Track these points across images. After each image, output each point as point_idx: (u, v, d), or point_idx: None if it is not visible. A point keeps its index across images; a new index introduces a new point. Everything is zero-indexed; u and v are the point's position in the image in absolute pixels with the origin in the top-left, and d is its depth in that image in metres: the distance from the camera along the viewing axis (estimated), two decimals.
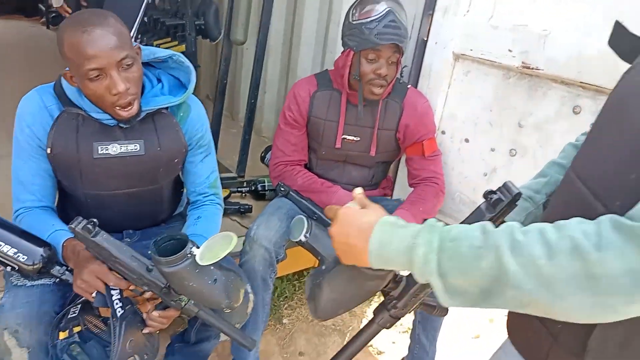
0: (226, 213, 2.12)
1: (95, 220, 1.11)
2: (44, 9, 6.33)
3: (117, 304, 1.15)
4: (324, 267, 0.95)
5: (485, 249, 0.64)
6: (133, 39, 2.11)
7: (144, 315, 1.20)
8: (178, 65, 1.36)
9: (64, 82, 1.26)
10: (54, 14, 6.07)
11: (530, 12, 1.57)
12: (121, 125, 1.29)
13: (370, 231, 0.75)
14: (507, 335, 0.94)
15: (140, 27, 3.04)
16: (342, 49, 1.69)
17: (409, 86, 1.80)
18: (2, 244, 1.16)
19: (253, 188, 2.27)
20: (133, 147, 1.31)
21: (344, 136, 1.77)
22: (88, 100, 1.25)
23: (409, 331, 2.09)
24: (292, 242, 1.65)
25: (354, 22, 1.59)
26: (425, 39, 1.86)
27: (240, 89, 3.28)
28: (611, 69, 1.43)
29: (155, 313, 1.19)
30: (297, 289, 2.29)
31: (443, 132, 1.87)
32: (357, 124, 1.75)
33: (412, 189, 1.82)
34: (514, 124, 1.65)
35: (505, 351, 0.92)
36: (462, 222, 0.85)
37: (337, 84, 1.74)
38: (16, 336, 1.17)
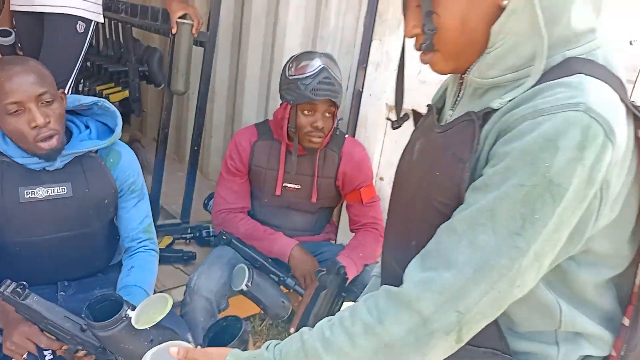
0: (169, 261, 2.11)
1: (24, 283, 1.11)
2: None
3: None
4: None
5: (306, 356, 0.74)
6: (72, 85, 2.13)
7: None
8: (104, 111, 1.40)
9: None
10: None
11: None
12: (48, 168, 1.30)
13: None
14: None
15: (83, 72, 3.04)
16: None
17: (346, 135, 1.88)
18: None
19: (198, 234, 2.27)
20: (60, 190, 1.33)
21: (284, 184, 1.82)
22: (13, 145, 1.26)
23: None
24: (234, 291, 1.67)
25: (290, 77, 1.67)
26: (361, 90, 1.96)
27: (187, 132, 3.28)
28: None
29: None
30: None
31: (381, 179, 1.96)
32: (298, 173, 1.81)
33: (353, 234, 1.88)
34: None
35: None
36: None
37: (277, 134, 1.79)
38: None
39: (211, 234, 2.24)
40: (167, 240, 2.19)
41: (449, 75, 0.87)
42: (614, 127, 0.62)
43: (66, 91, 2.11)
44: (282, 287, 1.72)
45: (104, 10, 2.19)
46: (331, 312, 1.10)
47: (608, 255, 0.73)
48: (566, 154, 0.61)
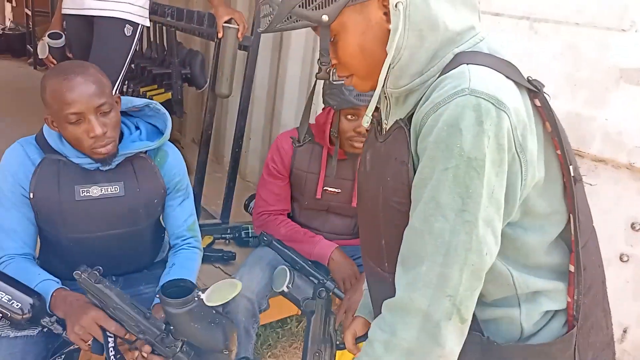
0: (210, 260, 2.15)
1: (100, 268, 1.17)
2: (31, 49, 6.40)
3: (111, 351, 1.19)
4: None
5: None
6: (118, 87, 2.20)
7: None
8: (154, 112, 1.45)
9: (46, 131, 1.33)
10: None
11: None
12: (101, 168, 1.35)
13: None
14: None
15: (127, 73, 3.14)
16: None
17: None
18: None
19: (237, 235, 2.30)
20: (113, 189, 1.38)
21: (325, 188, 1.83)
22: (69, 146, 1.32)
23: None
24: (274, 292, 1.70)
25: (334, 82, 1.68)
26: None
27: (226, 134, 3.35)
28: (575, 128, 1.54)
29: (154, 357, 1.21)
30: (280, 336, 2.30)
31: None
32: (337, 177, 1.82)
33: None
34: None
35: None
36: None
37: (318, 138, 1.81)
38: None
39: (250, 235, 2.27)
40: (208, 240, 2.23)
41: None
42: (501, 99, 0.71)
43: (114, 93, 2.18)
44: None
45: (149, 14, 2.26)
46: (326, 332, 1.23)
47: (548, 213, 0.81)
48: (470, 132, 0.70)
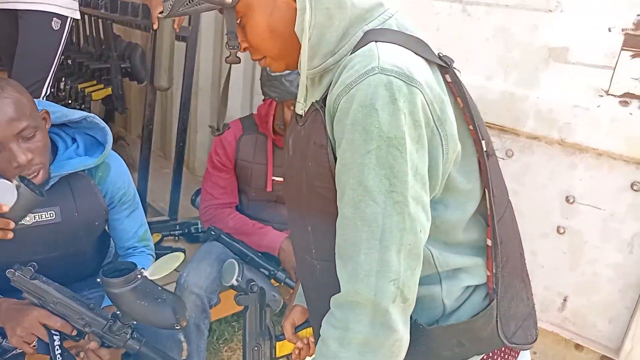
0: (158, 258, 2.09)
1: (34, 264, 1.13)
2: None
3: (57, 350, 1.16)
4: None
5: None
6: (50, 84, 2.09)
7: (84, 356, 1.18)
8: (93, 125, 1.34)
9: None
10: None
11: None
12: None
13: None
14: None
15: (64, 70, 3.00)
16: None
17: None
18: None
19: (186, 231, 2.26)
20: (49, 215, 1.27)
21: (273, 178, 1.82)
22: None
23: None
24: (225, 286, 1.68)
25: (273, 74, 1.66)
26: None
27: (172, 128, 3.26)
28: (510, 109, 1.58)
29: (103, 350, 1.17)
30: (236, 330, 2.28)
31: None
32: (283, 165, 1.81)
33: None
34: None
35: None
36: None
37: (262, 128, 1.79)
38: None
39: (200, 230, 2.23)
40: (156, 237, 2.17)
41: None
42: (411, 75, 0.71)
43: (45, 90, 2.08)
44: (272, 280, 1.73)
45: (83, 6, 2.17)
46: (263, 325, 1.23)
47: (467, 190, 0.82)
48: (385, 110, 0.69)
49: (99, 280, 1.10)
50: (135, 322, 1.17)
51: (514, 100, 1.58)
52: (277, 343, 1.24)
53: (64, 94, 2.88)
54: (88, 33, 2.98)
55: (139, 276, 1.10)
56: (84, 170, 1.32)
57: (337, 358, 0.76)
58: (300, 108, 0.85)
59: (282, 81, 1.63)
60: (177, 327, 1.15)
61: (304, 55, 0.78)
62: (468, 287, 0.86)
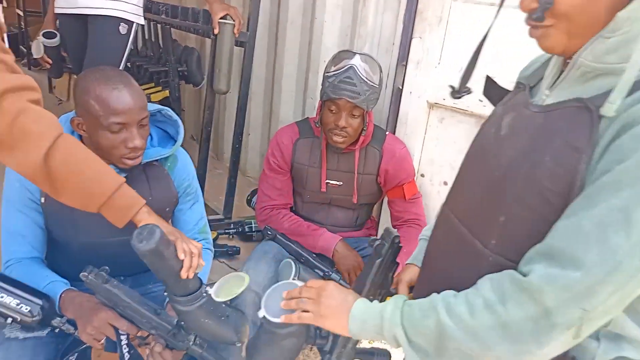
0: (215, 255, 2.16)
1: (107, 268, 1.18)
2: (25, 50, 6.36)
3: (125, 348, 1.21)
4: (252, 337, 1.07)
5: (430, 310, 0.81)
6: None
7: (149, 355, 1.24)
8: (166, 119, 1.44)
9: None
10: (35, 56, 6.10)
11: (498, 65, 1.69)
12: None
13: (351, 305, 0.92)
14: None
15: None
16: None
17: (387, 133, 1.90)
18: (4, 295, 1.20)
19: (240, 229, 2.32)
20: None
21: (327, 180, 1.86)
22: None
23: None
24: None
25: (325, 74, 1.71)
26: (400, 87, 1.98)
27: (225, 131, 3.37)
28: None
29: (167, 352, 1.22)
30: None
31: (422, 175, 1.97)
32: (339, 169, 1.84)
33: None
34: None
35: None
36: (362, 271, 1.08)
37: (317, 131, 1.83)
38: None
39: (253, 229, 2.29)
40: (212, 235, 2.25)
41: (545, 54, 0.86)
42: None
43: None
44: None
45: (144, 11, 2.26)
46: (386, 281, 1.10)
47: None
48: None
49: (165, 293, 1.15)
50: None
51: None
52: (387, 298, 1.17)
53: None
54: (147, 37, 3.11)
55: (205, 294, 1.14)
56: (157, 160, 1.41)
57: (472, 311, 0.74)
58: (613, 109, 0.69)
59: (326, 81, 1.67)
60: (237, 345, 1.20)
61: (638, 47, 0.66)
62: (623, 357, 0.78)
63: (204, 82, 3.06)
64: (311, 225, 1.88)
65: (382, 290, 1.10)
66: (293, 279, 1.66)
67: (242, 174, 3.18)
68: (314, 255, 1.80)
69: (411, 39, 1.89)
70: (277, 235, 1.85)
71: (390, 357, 1.16)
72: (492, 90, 1.00)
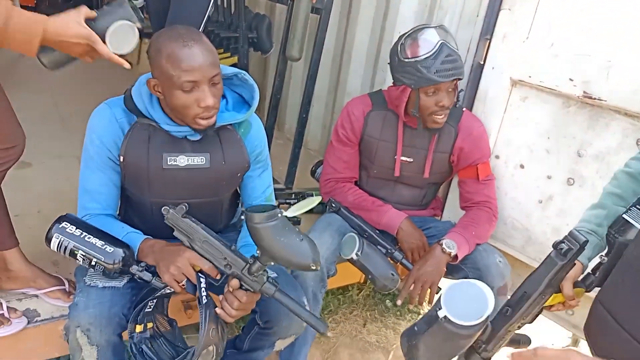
0: None
1: (186, 204, 1.22)
2: None
3: (203, 291, 1.24)
4: (416, 329, 1.02)
5: None
6: None
7: (223, 298, 1.26)
8: (242, 82, 1.41)
9: (135, 94, 1.33)
10: None
11: (592, 42, 1.57)
12: (189, 137, 1.35)
13: None
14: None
15: None
16: None
17: (464, 109, 1.81)
18: (91, 236, 1.25)
19: (301, 200, 2.30)
20: (199, 160, 1.38)
21: (401, 158, 1.79)
22: (160, 111, 1.32)
23: None
24: (341, 258, 1.70)
25: (406, 60, 1.59)
26: (482, 62, 1.87)
27: (287, 102, 3.34)
28: None
29: (241, 292, 1.24)
30: (341, 303, 2.32)
31: (497, 157, 1.87)
32: (410, 145, 1.77)
33: (464, 212, 1.83)
34: (573, 152, 1.64)
35: None
36: (533, 272, 1.03)
37: (392, 105, 1.76)
38: (87, 334, 1.24)
39: None
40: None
41: None
42: None
43: None
44: (389, 259, 1.72)
45: None
46: (556, 281, 1.08)
47: None
48: None
49: (242, 217, 1.15)
50: (273, 264, 1.20)
51: None
52: (555, 295, 1.16)
53: None
54: (219, 3, 3.10)
55: (279, 215, 1.15)
56: (231, 125, 1.40)
57: None
58: None
59: (417, 67, 1.57)
60: (313, 268, 1.16)
61: None
62: None
63: (272, 49, 3.04)
64: (376, 200, 1.83)
65: (551, 289, 1.09)
66: (356, 254, 1.63)
67: (303, 146, 3.15)
68: (378, 232, 1.77)
69: (499, 10, 1.77)
70: (341, 209, 1.82)
71: (530, 342, 1.16)
72: None
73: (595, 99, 1.54)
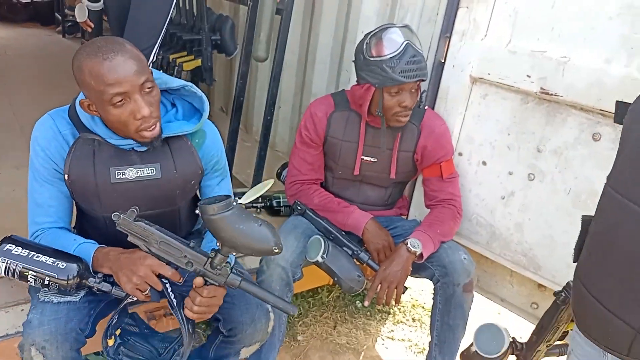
0: None
1: (136, 207, 1.18)
2: (60, 18, 6.41)
3: (171, 295, 1.23)
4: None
5: None
6: (156, 51, 2.16)
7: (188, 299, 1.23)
8: (191, 93, 1.37)
9: (78, 109, 1.27)
10: (70, 23, 6.15)
11: (548, 38, 1.58)
12: (136, 149, 1.31)
13: None
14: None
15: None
16: None
17: (426, 108, 1.81)
18: (40, 255, 1.21)
19: (268, 204, 2.28)
20: (150, 171, 1.33)
21: (362, 157, 1.78)
22: (103, 126, 1.26)
23: (424, 352, 2.09)
24: (307, 261, 1.68)
25: (372, 59, 1.58)
26: (442, 61, 1.88)
27: (255, 103, 3.31)
28: (632, 96, 1.44)
29: (205, 290, 1.21)
30: (311, 305, 2.30)
31: (460, 154, 1.88)
32: (374, 146, 1.77)
33: (429, 210, 1.83)
34: (532, 148, 1.66)
35: (578, 340, 1.11)
36: (545, 313, 1.29)
37: (355, 106, 1.75)
38: (43, 352, 1.19)
39: (281, 204, 2.24)
40: None
41: None
42: None
43: (152, 57, 2.14)
44: (355, 260, 1.71)
45: None
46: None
47: None
48: None
49: (197, 212, 1.13)
50: (234, 254, 1.18)
51: (637, 88, 1.44)
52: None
53: (155, 63, 2.97)
54: (181, 5, 3.05)
55: (234, 203, 1.12)
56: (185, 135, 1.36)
57: None
58: None
59: (382, 67, 1.56)
60: (275, 251, 1.14)
61: None
62: None
63: (236, 51, 3.00)
64: (342, 202, 1.82)
65: (564, 323, 1.33)
66: (322, 256, 1.61)
67: (270, 148, 3.11)
68: (344, 233, 1.75)
69: (457, 8, 1.78)
70: (307, 211, 1.80)
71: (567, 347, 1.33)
72: (624, 114, 1.01)
73: (552, 94, 1.56)
